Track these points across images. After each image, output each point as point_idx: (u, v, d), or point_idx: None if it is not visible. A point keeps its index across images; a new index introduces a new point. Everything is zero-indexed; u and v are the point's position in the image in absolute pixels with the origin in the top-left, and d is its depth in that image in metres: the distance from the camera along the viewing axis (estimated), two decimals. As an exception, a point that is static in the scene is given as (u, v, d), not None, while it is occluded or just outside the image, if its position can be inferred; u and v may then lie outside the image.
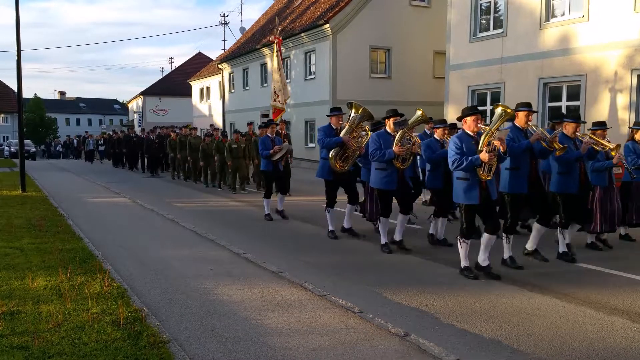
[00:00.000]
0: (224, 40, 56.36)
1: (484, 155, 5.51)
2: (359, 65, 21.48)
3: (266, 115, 27.00)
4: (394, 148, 6.74)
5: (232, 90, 31.74)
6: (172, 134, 19.29)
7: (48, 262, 6.19)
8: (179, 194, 14.47)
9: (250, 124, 15.86)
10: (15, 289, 5.17)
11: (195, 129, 18.31)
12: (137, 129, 28.52)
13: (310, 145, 23.21)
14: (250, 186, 15.23)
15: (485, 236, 5.86)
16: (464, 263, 5.95)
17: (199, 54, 52.29)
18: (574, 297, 5.01)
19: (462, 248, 5.93)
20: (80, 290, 5.07)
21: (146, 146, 21.01)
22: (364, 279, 5.87)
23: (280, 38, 16.17)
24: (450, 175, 6.85)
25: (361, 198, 10.18)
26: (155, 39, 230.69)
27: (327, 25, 20.92)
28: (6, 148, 39.40)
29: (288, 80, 23.53)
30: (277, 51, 15.00)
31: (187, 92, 42.71)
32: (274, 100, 14.67)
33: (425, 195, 10.32)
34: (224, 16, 47.96)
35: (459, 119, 5.99)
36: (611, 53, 12.77)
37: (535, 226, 6.54)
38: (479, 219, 6.01)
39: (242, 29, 37.37)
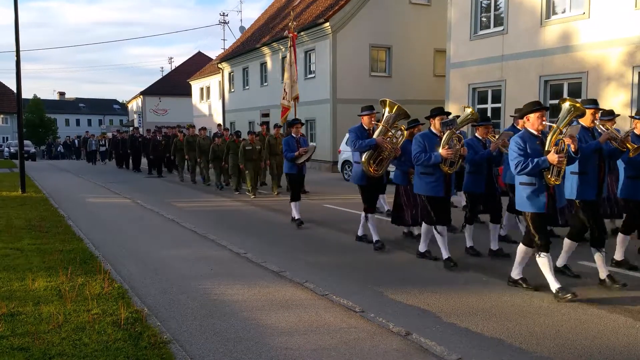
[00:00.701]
0: (224, 40, 56.23)
1: (552, 157, 4.83)
2: (359, 63, 21.45)
3: (266, 115, 27.02)
4: (441, 150, 6.07)
5: (232, 90, 31.71)
6: (179, 134, 18.75)
7: (48, 262, 6.19)
8: (179, 195, 14.46)
9: (263, 124, 15.00)
10: (15, 290, 5.16)
11: (205, 129, 17.49)
12: (137, 128, 28.04)
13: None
14: (261, 188, 14.86)
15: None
16: (555, 286, 4.98)
17: (199, 54, 52.19)
18: (577, 295, 4.98)
19: (544, 266, 5.07)
20: (81, 291, 5.06)
21: (152, 147, 20.36)
22: (365, 278, 5.86)
23: (295, 33, 15.45)
24: (492, 179, 6.67)
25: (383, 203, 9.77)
26: (155, 38, 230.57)
27: (327, 24, 20.88)
28: (6, 149, 39.39)
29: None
30: (290, 46, 14.38)
31: (187, 92, 42.66)
32: (283, 98, 14.12)
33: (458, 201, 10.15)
34: (223, 15, 47.88)
35: (520, 116, 5.32)
36: (612, 50, 12.74)
37: (620, 236, 6.08)
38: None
39: (241, 28, 37.34)
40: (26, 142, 35.26)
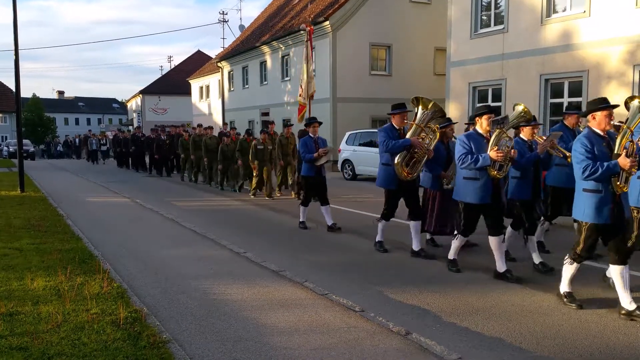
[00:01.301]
0: (223, 39, 56.16)
1: (623, 161, 4.33)
2: (359, 62, 21.44)
3: (266, 114, 27.00)
4: (490, 152, 5.46)
5: (232, 89, 31.69)
6: (184, 133, 18.26)
7: (47, 262, 6.17)
8: (178, 194, 14.45)
9: (272, 123, 14.30)
10: (14, 289, 5.14)
11: (211, 128, 16.82)
12: (139, 127, 27.72)
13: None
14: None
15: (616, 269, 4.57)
16: (627, 305, 4.47)
17: (198, 52, 52.14)
18: (577, 294, 4.98)
19: (568, 272, 4.79)
20: (80, 291, 5.04)
21: (156, 146, 19.82)
22: (365, 277, 5.84)
23: (312, 27, 14.62)
24: (538, 185, 6.10)
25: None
26: (155, 37, 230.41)
27: (327, 23, 20.87)
28: (5, 148, 39.32)
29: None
30: (307, 40, 13.41)
31: (186, 91, 42.64)
32: (299, 96, 13.36)
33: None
34: (223, 14, 47.91)
35: (586, 113, 4.84)
36: (613, 49, 12.73)
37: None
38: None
39: (241, 27, 37.25)
40: (25, 141, 35.06)
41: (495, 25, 15.88)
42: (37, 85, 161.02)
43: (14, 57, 14.21)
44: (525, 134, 6.16)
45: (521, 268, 6.07)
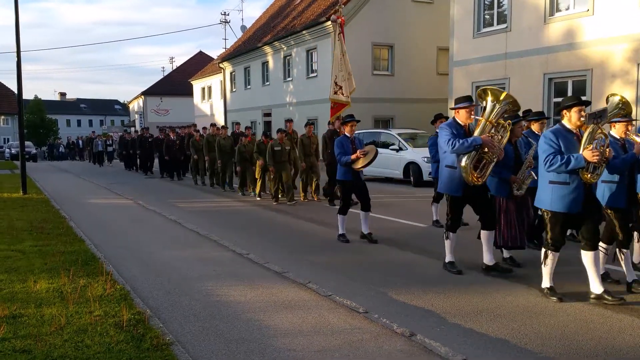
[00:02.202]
0: (225, 39, 56.36)
1: (586, 153, 4.48)
2: (362, 62, 21.36)
3: (268, 115, 27.03)
4: (585, 152, 4.65)
5: (234, 90, 31.71)
6: (195, 133, 17.22)
7: (50, 264, 6.16)
8: (181, 195, 14.44)
9: (290, 121, 13.16)
10: (17, 292, 5.14)
11: (225, 128, 15.91)
12: (146, 128, 26.21)
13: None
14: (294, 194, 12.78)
15: None
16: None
17: (200, 53, 52.24)
18: (582, 295, 4.96)
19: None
20: (83, 293, 5.03)
21: (166, 147, 18.74)
22: (368, 278, 5.82)
23: (343, 17, 13.27)
24: (634, 190, 5.25)
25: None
26: (156, 38, 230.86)
27: (329, 23, 20.80)
28: (7, 150, 39.35)
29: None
30: (339, 33, 12.17)
31: (188, 92, 42.69)
32: (335, 93, 12.01)
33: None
34: (224, 14, 47.94)
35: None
36: (617, 47, 12.68)
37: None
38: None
39: (243, 28, 37.30)
40: (27, 143, 35.17)
41: (498, 24, 15.84)
42: (39, 87, 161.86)
43: (15, 59, 14.25)
44: (617, 130, 5.27)
45: (522, 268, 6.04)
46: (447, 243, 6.02)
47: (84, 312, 4.53)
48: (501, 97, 5.58)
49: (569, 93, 14.13)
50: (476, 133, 5.67)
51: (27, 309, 4.60)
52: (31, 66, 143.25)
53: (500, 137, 5.60)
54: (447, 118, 9.51)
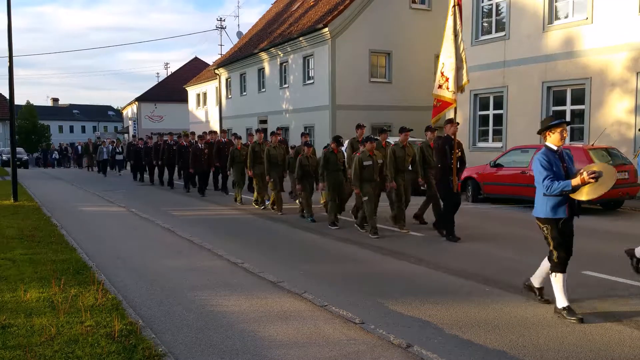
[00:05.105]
0: (221, 45, 56.38)
1: (575, 182, 4.52)
2: (359, 69, 21.45)
3: (264, 122, 27.00)
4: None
5: (229, 96, 31.70)
6: (236, 141, 13.95)
7: (41, 273, 6.07)
8: (175, 203, 14.36)
9: (362, 127, 10.99)
10: (6, 301, 5.05)
11: (278, 133, 12.83)
12: (170, 133, 20.57)
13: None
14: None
15: None
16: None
17: (196, 59, 52.24)
18: (580, 306, 4.93)
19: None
20: (74, 303, 4.95)
21: (193, 157, 15.70)
22: (365, 288, 5.77)
23: None
24: None
25: None
26: (152, 44, 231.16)
27: (326, 29, 20.88)
28: None
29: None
30: (452, 15, 8.77)
31: (183, 98, 42.63)
32: (439, 87, 8.74)
33: None
34: (220, 20, 48.04)
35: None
36: (616, 56, 12.76)
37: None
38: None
39: (239, 34, 37.34)
40: (19, 149, 34.87)
41: (496, 32, 15.91)
42: (31, 92, 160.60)
43: (7, 63, 14.18)
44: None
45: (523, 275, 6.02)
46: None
47: (75, 322, 4.45)
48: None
49: (568, 102, 14.20)
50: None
51: (16, 319, 4.52)
52: (24, 71, 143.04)
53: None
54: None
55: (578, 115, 14.09)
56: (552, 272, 4.85)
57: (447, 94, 8.64)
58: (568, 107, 14.16)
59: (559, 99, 14.38)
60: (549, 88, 14.43)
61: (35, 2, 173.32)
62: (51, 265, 6.42)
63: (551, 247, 4.84)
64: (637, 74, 12.37)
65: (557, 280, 4.79)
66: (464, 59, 8.75)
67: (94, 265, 6.57)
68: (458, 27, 8.81)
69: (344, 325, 4.55)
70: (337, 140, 10.08)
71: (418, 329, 4.55)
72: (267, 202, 12.28)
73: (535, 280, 5.21)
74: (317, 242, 8.43)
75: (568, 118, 14.14)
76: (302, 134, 11.90)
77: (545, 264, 5.03)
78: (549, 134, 4.86)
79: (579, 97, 13.81)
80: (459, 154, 8.33)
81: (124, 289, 5.72)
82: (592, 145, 11.57)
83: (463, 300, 5.30)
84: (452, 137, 8.26)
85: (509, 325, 4.60)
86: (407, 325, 4.64)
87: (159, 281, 6.06)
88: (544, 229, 4.86)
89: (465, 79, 8.80)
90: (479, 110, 16.60)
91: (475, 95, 16.57)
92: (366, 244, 8.14)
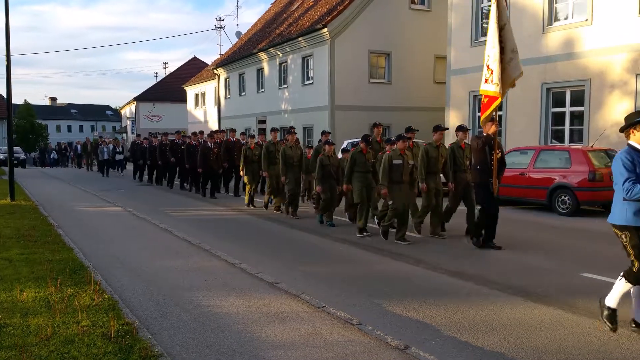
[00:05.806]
0: (220, 45, 56.35)
1: None
2: (358, 70, 21.42)
3: (263, 122, 26.97)
4: None
5: (228, 96, 31.66)
6: (249, 140, 13.39)
7: (37, 273, 6.04)
8: (172, 203, 14.33)
9: (379, 125, 10.41)
10: (2, 301, 5.03)
11: (294, 132, 11.64)
12: (178, 132, 19.74)
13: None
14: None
15: None
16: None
17: (194, 59, 52.16)
18: (579, 308, 4.92)
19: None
20: (70, 303, 4.93)
21: (202, 156, 14.95)
22: (363, 289, 5.75)
23: None
24: None
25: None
26: (151, 43, 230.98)
27: (325, 30, 20.86)
28: None
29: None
30: (495, 3, 7.58)
31: (181, 98, 42.56)
32: (485, 81, 7.73)
33: None
34: (219, 20, 47.97)
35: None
36: (616, 57, 12.77)
37: None
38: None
39: (238, 34, 37.32)
40: (16, 148, 34.67)
41: (496, 32, 15.89)
42: (29, 91, 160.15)
43: (5, 62, 14.13)
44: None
45: (519, 281, 6.00)
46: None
47: (71, 322, 4.43)
48: None
49: (567, 103, 14.18)
50: None
51: (12, 319, 4.50)
52: (22, 70, 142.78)
53: None
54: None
55: (577, 117, 14.10)
56: (626, 281, 4.32)
57: (492, 87, 7.65)
58: (567, 109, 14.16)
59: (559, 100, 14.39)
60: (548, 89, 14.44)
61: (34, 1, 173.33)
62: (48, 265, 6.39)
63: (632, 257, 4.26)
64: (637, 75, 12.38)
65: (625, 287, 4.33)
66: (514, 49, 7.65)
67: (90, 265, 6.54)
68: (505, 18, 7.74)
69: (342, 327, 4.53)
70: (366, 139, 9.13)
71: (416, 330, 4.53)
72: (282, 206, 11.66)
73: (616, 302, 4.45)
74: (316, 243, 8.42)
75: (567, 119, 14.18)
76: (323, 132, 11.46)
77: (620, 285, 4.39)
78: (633, 132, 4.35)
79: (578, 98, 13.81)
80: (499, 154, 7.73)
81: (121, 289, 5.69)
82: (592, 146, 11.59)
83: (461, 302, 5.29)
84: (493, 136, 7.65)
85: (506, 327, 4.58)
86: (405, 326, 4.62)
87: (156, 281, 6.03)
88: (622, 236, 4.30)
89: (521, 70, 7.73)
90: (479, 111, 16.58)
91: (475, 96, 16.57)
92: (365, 245, 8.12)
